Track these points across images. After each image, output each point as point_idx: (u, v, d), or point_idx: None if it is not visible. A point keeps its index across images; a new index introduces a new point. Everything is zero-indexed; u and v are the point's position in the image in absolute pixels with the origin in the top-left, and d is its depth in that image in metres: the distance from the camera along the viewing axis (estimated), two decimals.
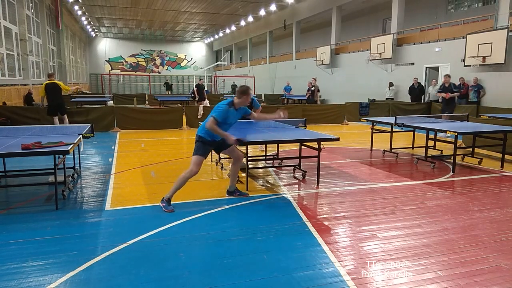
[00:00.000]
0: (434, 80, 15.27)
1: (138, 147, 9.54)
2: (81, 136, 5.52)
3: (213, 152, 7.85)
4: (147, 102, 24.31)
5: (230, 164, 5.48)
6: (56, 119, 10.98)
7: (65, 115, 11.08)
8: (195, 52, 48.26)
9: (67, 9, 27.55)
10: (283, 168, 7.12)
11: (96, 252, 3.57)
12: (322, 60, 23.70)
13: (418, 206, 5.00)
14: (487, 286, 3.04)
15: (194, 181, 6.20)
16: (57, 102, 10.78)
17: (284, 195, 5.47)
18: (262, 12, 28.19)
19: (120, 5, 27.86)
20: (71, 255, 3.50)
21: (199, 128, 4.97)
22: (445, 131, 7.13)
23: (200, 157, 4.83)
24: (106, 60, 44.23)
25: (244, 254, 3.57)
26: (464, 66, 14.32)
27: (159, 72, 46.53)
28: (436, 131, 7.44)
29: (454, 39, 15.32)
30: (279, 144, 7.69)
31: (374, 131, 8.82)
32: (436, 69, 16.30)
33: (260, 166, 7.55)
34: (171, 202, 4.80)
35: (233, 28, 35.62)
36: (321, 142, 5.93)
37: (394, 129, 8.48)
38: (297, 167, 6.79)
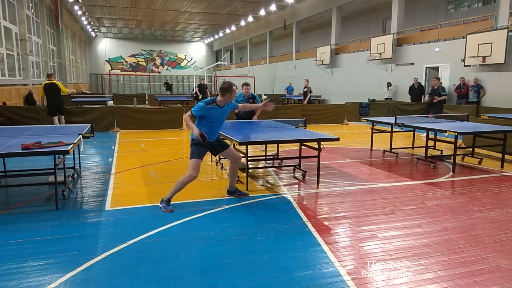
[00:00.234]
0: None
1: (138, 147, 9.54)
2: (81, 136, 5.52)
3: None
4: (147, 102, 24.31)
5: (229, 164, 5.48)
6: (56, 119, 11.02)
7: (62, 115, 11.16)
8: (195, 52, 48.26)
9: (67, 9, 27.55)
10: (283, 168, 7.12)
11: (96, 252, 3.57)
12: (322, 60, 23.70)
13: (418, 206, 5.00)
14: (487, 286, 3.04)
15: (194, 181, 6.19)
16: (56, 102, 10.86)
17: (284, 195, 5.47)
18: (262, 12, 28.18)
19: (120, 5, 27.85)
20: (71, 255, 3.50)
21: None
22: (445, 131, 7.13)
23: (197, 160, 4.81)
24: (106, 60, 44.22)
25: (244, 254, 3.57)
26: (464, 66, 14.32)
27: (159, 72, 46.53)
28: (436, 131, 7.44)
29: (454, 39, 15.32)
30: (279, 144, 7.69)
31: (374, 131, 8.82)
32: (436, 69, 16.30)
33: (260, 166, 7.55)
34: (171, 203, 4.80)
35: (233, 28, 35.62)
36: (321, 142, 5.93)
37: (394, 129, 8.48)
38: (297, 167, 6.78)
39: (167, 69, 47.18)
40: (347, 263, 3.41)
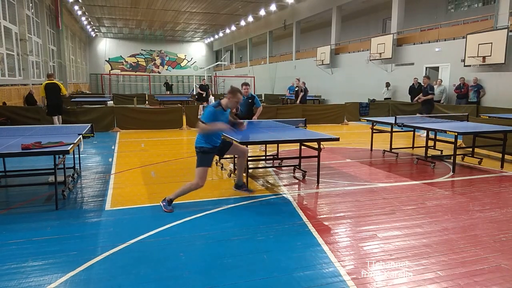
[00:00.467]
0: (439, 80, 15.25)
1: (138, 147, 9.54)
2: (81, 136, 5.52)
3: None
4: (147, 102, 24.31)
5: (236, 159, 5.44)
6: (56, 119, 11.04)
7: (60, 115, 11.23)
8: (195, 52, 48.25)
9: (67, 9, 27.54)
10: (283, 168, 7.12)
11: (96, 252, 3.57)
12: (322, 60, 23.69)
13: (418, 206, 5.00)
14: (487, 286, 3.04)
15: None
16: (56, 102, 10.92)
17: (284, 195, 5.47)
18: (262, 12, 28.18)
19: (120, 5, 27.85)
20: (71, 255, 3.50)
21: (196, 140, 4.90)
22: (445, 131, 7.13)
23: (205, 168, 4.82)
24: (106, 60, 44.21)
25: (244, 254, 3.57)
26: (464, 66, 14.32)
27: (159, 72, 46.52)
28: (436, 131, 7.44)
29: (454, 39, 15.32)
30: (279, 144, 7.69)
31: (374, 131, 8.82)
32: (436, 69, 16.30)
33: (260, 166, 7.55)
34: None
35: (233, 28, 35.61)
36: (321, 142, 5.93)
37: (394, 129, 8.48)
38: (297, 167, 6.79)
39: (167, 69, 47.18)
40: (347, 263, 3.41)
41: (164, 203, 4.77)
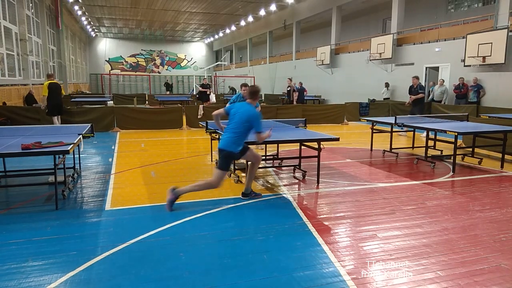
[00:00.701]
0: (441, 80, 15.25)
1: (138, 147, 9.54)
2: (81, 136, 5.52)
3: (213, 151, 7.89)
4: (147, 102, 24.31)
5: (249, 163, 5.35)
6: (55, 119, 11.07)
7: (59, 116, 11.28)
8: (195, 52, 48.25)
9: (67, 9, 27.54)
10: (283, 168, 7.12)
11: (96, 252, 3.57)
12: (322, 60, 23.69)
13: (418, 206, 5.00)
14: (487, 286, 3.04)
15: (194, 181, 6.20)
16: (58, 102, 10.99)
17: (284, 195, 5.47)
18: (262, 12, 28.18)
19: (120, 5, 27.85)
20: (71, 255, 3.50)
21: (225, 143, 4.78)
22: (445, 131, 7.13)
23: (225, 172, 4.82)
24: (106, 60, 44.21)
25: (244, 254, 3.57)
26: (464, 66, 14.32)
27: (159, 72, 46.52)
28: (436, 131, 7.44)
29: (454, 39, 15.32)
30: (279, 144, 7.69)
31: (374, 131, 8.82)
32: (436, 69, 16.30)
33: (260, 166, 7.53)
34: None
35: (233, 28, 35.61)
36: (321, 142, 5.93)
37: (394, 129, 8.48)
38: (297, 167, 6.79)
39: (167, 69, 47.18)
40: (347, 263, 3.41)
41: (172, 196, 4.69)
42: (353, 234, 4.08)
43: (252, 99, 4.96)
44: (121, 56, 45.25)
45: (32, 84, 17.01)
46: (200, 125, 7.40)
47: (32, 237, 3.91)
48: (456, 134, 6.62)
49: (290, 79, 16.70)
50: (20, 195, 5.39)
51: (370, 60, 19.39)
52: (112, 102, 20.48)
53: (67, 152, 4.56)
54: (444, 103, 14.93)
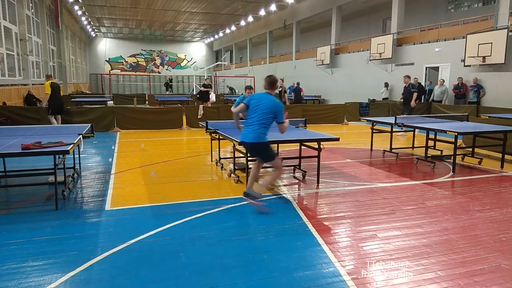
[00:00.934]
0: (441, 80, 15.26)
1: (138, 147, 9.54)
2: (81, 136, 5.52)
3: (213, 151, 7.89)
4: (147, 102, 24.31)
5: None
6: (53, 119, 11.15)
7: (59, 115, 11.40)
8: (195, 52, 48.25)
9: (67, 9, 27.54)
10: (283, 168, 7.10)
11: (96, 252, 3.57)
12: (322, 60, 23.69)
13: (418, 206, 5.00)
14: (487, 286, 3.04)
15: (194, 181, 6.21)
16: (60, 101, 11.24)
17: (284, 195, 5.47)
18: (262, 12, 28.17)
19: (120, 5, 27.85)
20: (71, 255, 3.50)
21: (256, 135, 4.68)
22: (445, 131, 7.14)
23: (278, 157, 4.85)
24: (106, 60, 44.21)
25: (244, 254, 3.57)
26: (464, 66, 14.32)
27: (159, 72, 46.51)
28: (436, 131, 7.44)
29: (454, 39, 15.32)
30: (279, 144, 7.68)
31: (374, 131, 8.82)
32: (436, 69, 16.30)
33: None
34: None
35: (233, 28, 35.61)
36: (321, 142, 5.93)
37: (394, 129, 8.48)
38: (297, 167, 6.79)
39: (167, 69, 47.18)
40: (347, 263, 3.41)
41: (252, 199, 4.59)
42: (353, 234, 4.07)
43: (271, 89, 4.87)
44: (121, 56, 45.25)
45: (32, 84, 17.00)
46: (200, 125, 7.40)
47: (32, 237, 3.91)
48: (456, 134, 6.62)
49: (282, 80, 16.78)
50: (20, 195, 5.39)
51: (370, 60, 19.39)
52: (112, 102, 20.49)
53: (67, 152, 4.56)
54: (445, 103, 14.94)
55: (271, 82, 4.87)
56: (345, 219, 4.53)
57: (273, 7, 26.06)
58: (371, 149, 9.04)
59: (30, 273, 3.18)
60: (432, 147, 8.41)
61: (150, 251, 3.62)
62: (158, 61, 46.85)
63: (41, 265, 3.33)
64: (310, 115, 13.91)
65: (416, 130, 8.14)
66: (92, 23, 35.86)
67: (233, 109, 5.26)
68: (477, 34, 13.73)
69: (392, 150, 8.50)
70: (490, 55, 13.08)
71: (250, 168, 7.08)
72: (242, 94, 8.14)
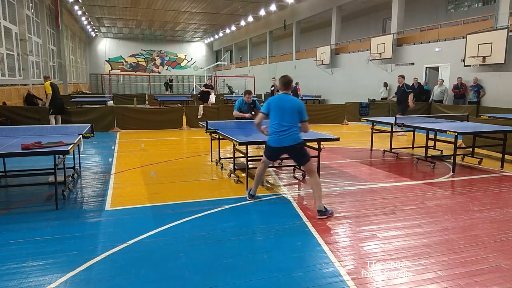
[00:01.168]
0: (440, 80, 15.26)
1: (138, 147, 9.54)
2: (81, 136, 5.52)
3: (213, 151, 7.89)
4: (147, 102, 24.31)
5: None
6: (53, 119, 11.18)
7: (60, 115, 11.46)
8: (195, 52, 48.24)
9: (67, 9, 27.53)
10: (283, 168, 7.11)
11: (96, 252, 3.57)
12: (322, 60, 23.69)
13: (418, 206, 5.00)
14: (487, 286, 3.04)
15: (194, 181, 6.22)
16: (61, 101, 11.34)
17: (284, 195, 5.47)
18: (262, 12, 28.17)
19: (120, 5, 27.84)
20: (71, 255, 3.50)
21: (294, 137, 4.63)
22: (445, 131, 7.14)
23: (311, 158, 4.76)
24: (106, 60, 44.20)
25: (244, 254, 3.57)
26: (464, 66, 14.31)
27: (159, 72, 46.51)
28: (436, 131, 7.44)
29: (454, 39, 15.32)
30: None
31: (374, 131, 8.82)
32: (436, 69, 16.30)
33: None
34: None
35: (233, 28, 35.60)
36: (321, 142, 5.93)
37: (394, 129, 8.48)
38: (297, 167, 6.78)
39: (167, 69, 47.17)
40: (347, 263, 3.41)
41: (323, 214, 4.50)
42: (353, 234, 4.07)
43: (287, 90, 4.78)
44: (121, 56, 45.24)
45: (32, 84, 17.00)
46: (200, 125, 7.40)
47: (32, 237, 3.91)
48: (456, 134, 6.62)
49: (274, 79, 16.82)
50: (20, 195, 5.39)
51: (370, 60, 19.39)
52: (112, 102, 20.49)
53: (67, 152, 4.56)
54: (445, 103, 14.94)
55: (285, 82, 4.79)
56: (345, 219, 4.52)
57: (273, 7, 26.05)
58: (371, 149, 9.04)
59: (30, 273, 3.18)
60: (432, 147, 8.41)
61: (150, 251, 3.62)
62: (158, 61, 46.85)
63: (41, 265, 3.33)
64: (310, 115, 13.58)
65: (416, 130, 8.14)
66: (92, 23, 35.85)
67: (256, 121, 4.96)
68: (477, 34, 13.72)
69: (392, 150, 8.50)
70: (490, 55, 13.07)
71: (250, 168, 7.10)
72: (241, 98, 8.19)
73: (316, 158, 5.98)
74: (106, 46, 43.61)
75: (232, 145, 6.02)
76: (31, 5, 18.78)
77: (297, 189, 5.89)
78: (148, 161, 7.69)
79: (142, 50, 46.09)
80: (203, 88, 17.92)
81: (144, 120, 12.59)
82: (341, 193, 5.59)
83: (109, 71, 42.82)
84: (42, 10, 21.03)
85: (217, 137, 6.80)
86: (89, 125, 6.52)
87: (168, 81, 40.12)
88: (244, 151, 5.86)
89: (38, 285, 3.00)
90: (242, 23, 33.26)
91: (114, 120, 12.34)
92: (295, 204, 5.05)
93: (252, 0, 25.90)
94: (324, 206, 4.59)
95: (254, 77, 30.67)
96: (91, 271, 3.22)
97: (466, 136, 8.48)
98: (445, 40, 15.75)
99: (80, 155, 7.04)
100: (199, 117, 12.94)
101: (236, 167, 6.61)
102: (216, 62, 44.05)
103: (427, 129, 7.51)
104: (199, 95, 17.98)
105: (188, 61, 48.06)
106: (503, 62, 12.77)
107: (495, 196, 5.47)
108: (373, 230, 4.16)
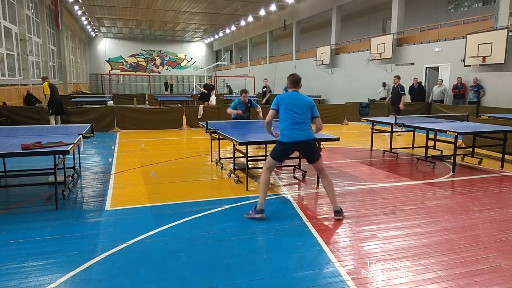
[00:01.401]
0: (440, 80, 15.26)
1: (138, 147, 9.54)
2: (81, 136, 5.52)
3: (213, 151, 7.89)
4: (147, 102, 24.31)
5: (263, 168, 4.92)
6: (53, 119, 11.18)
7: (59, 116, 11.48)
8: (195, 52, 48.25)
9: (67, 9, 27.54)
10: (283, 168, 7.11)
11: (96, 252, 3.57)
12: (322, 60, 23.69)
13: (418, 206, 5.00)
14: (487, 286, 3.04)
15: (194, 181, 6.22)
16: (60, 101, 11.35)
17: (284, 195, 5.47)
18: (262, 12, 28.17)
19: (120, 5, 27.85)
20: (71, 255, 3.50)
21: (310, 132, 4.58)
22: (445, 131, 7.14)
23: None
24: (106, 60, 44.21)
25: (244, 254, 3.57)
26: (464, 66, 14.32)
27: (159, 72, 46.52)
28: (436, 131, 7.44)
29: (454, 39, 15.32)
30: None
31: (374, 131, 8.82)
32: (436, 69, 16.30)
33: (260, 166, 7.53)
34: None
35: (233, 28, 35.61)
36: (321, 142, 5.93)
37: (394, 129, 8.48)
38: (297, 167, 6.78)
39: (167, 69, 47.18)
40: (347, 263, 3.41)
41: (340, 214, 4.49)
42: (353, 234, 4.07)
43: (296, 88, 4.75)
44: (121, 56, 45.25)
45: (32, 84, 17.01)
46: (200, 125, 7.40)
47: (32, 237, 3.91)
48: (456, 134, 6.62)
49: (266, 79, 16.80)
50: (20, 195, 5.39)
51: (370, 60, 19.39)
52: (112, 102, 20.49)
53: (67, 152, 4.56)
54: (445, 103, 14.93)
55: (295, 80, 4.77)
56: (345, 219, 4.52)
57: (273, 7, 26.06)
58: (371, 149, 9.04)
59: (30, 273, 3.18)
60: (432, 147, 8.41)
61: (150, 251, 3.62)
62: (158, 61, 46.85)
63: (41, 265, 3.33)
64: None
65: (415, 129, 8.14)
66: (92, 23, 35.86)
67: (266, 120, 4.77)
68: (477, 34, 13.73)
69: (392, 150, 8.50)
70: (490, 55, 13.08)
71: (250, 168, 7.10)
72: (238, 97, 8.21)
73: None
74: (106, 46, 43.61)
75: (232, 145, 6.02)
76: (31, 5, 18.79)
77: (297, 189, 5.89)
78: (148, 161, 7.69)
79: (142, 50, 46.10)
80: (203, 89, 17.89)
81: (144, 120, 12.59)
82: (341, 193, 5.59)
83: (109, 71, 42.83)
84: (42, 10, 21.04)
85: (217, 137, 6.80)
86: (89, 125, 6.52)
87: (168, 83, 40.10)
88: (244, 151, 5.86)
89: (38, 285, 3.00)
90: (242, 23, 33.27)
91: (114, 120, 12.34)
92: (295, 204, 5.05)
93: (252, 0, 25.91)
94: (340, 206, 4.57)
95: (254, 77, 30.67)
96: (91, 271, 3.22)
97: (466, 136, 8.48)
98: (445, 40, 15.75)
99: (80, 155, 7.04)
100: (199, 117, 12.94)
101: (236, 167, 6.61)
102: (216, 62, 44.05)
103: (427, 129, 7.51)
104: (199, 95, 17.97)
105: (188, 61, 48.07)
106: (503, 62, 12.77)
107: (495, 196, 5.47)
108: (373, 230, 4.16)
